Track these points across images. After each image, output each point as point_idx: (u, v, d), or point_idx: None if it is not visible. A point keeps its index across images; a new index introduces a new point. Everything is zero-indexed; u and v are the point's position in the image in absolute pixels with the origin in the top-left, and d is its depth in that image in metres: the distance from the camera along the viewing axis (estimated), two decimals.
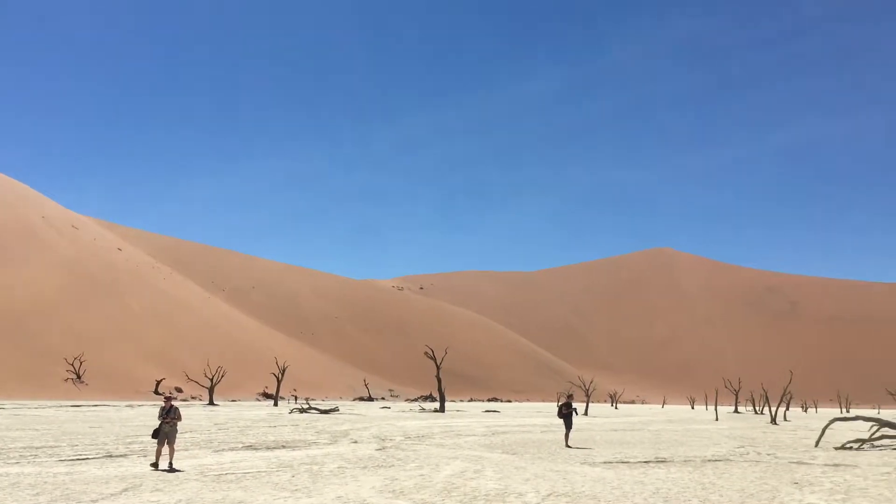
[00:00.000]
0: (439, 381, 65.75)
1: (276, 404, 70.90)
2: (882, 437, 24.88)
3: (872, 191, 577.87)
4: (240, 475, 15.02)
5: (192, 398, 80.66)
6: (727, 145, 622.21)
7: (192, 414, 45.05)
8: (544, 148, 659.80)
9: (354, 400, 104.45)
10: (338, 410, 56.76)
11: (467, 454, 20.53)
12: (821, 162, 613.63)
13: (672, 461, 19.37)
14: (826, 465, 18.94)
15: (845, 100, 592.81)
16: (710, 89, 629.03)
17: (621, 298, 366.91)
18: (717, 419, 58.31)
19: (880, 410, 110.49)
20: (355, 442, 24.78)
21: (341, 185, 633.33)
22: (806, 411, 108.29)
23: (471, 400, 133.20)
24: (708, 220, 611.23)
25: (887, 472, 17.01)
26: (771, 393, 77.21)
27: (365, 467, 16.73)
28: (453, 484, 13.99)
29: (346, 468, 16.51)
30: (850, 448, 24.19)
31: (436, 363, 65.78)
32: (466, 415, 56.56)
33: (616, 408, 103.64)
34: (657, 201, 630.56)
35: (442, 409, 62.27)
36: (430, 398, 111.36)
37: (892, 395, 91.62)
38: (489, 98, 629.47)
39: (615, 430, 35.53)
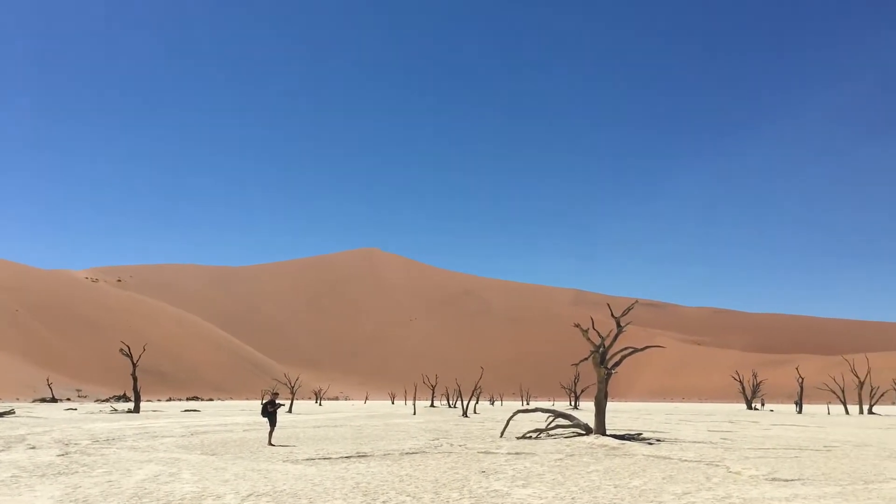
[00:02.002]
0: (135, 379, 61.57)
1: None
2: (556, 426, 27.72)
3: (559, 207, 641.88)
4: None
5: None
6: (431, 152, 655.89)
7: None
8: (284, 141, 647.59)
9: (35, 402, 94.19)
10: (13, 413, 50.84)
11: (162, 457, 19.45)
12: (513, 178, 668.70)
13: (372, 455, 19.94)
14: (509, 453, 20.66)
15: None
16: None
17: (328, 296, 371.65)
18: (414, 413, 61.08)
19: (555, 402, 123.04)
20: (33, 448, 22.37)
21: (32, 160, 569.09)
22: (493, 404, 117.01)
23: (169, 399, 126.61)
24: (413, 224, 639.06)
25: (560, 459, 18.97)
26: (464, 387, 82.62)
27: (43, 475, 15.16)
28: (145, 489, 13.17)
29: (21, 477, 14.84)
30: (530, 437, 26.66)
31: (132, 361, 61.54)
32: (164, 415, 53.67)
33: (320, 404, 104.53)
34: (366, 202, 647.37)
35: (137, 410, 58.47)
36: (124, 398, 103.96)
37: (564, 388, 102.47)
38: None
39: (318, 427, 35.79)
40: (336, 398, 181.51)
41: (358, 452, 20.88)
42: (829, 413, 73.16)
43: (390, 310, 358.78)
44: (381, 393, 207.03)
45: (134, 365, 61.79)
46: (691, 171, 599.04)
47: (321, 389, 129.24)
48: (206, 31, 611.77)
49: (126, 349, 62.68)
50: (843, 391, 75.61)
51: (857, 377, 73.82)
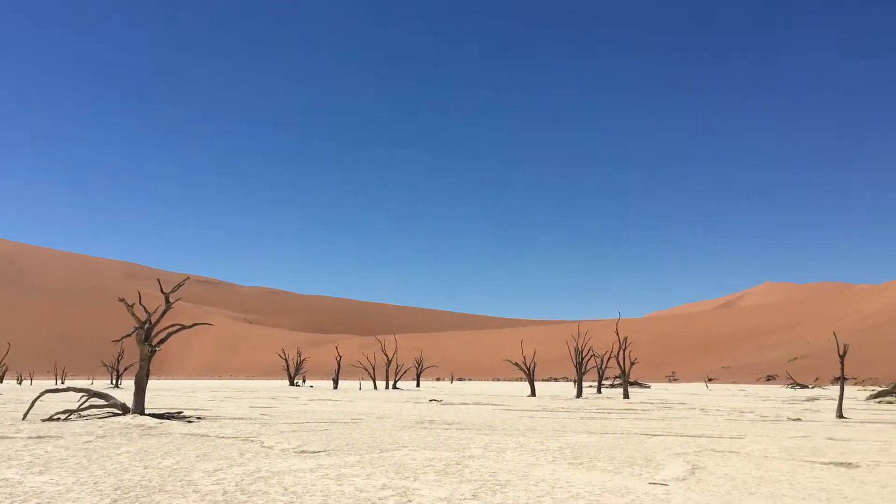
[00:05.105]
0: None
1: None
2: (91, 406, 26.03)
3: (120, 172, 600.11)
4: None
5: None
6: None
7: None
8: None
9: None
10: None
11: None
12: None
13: None
14: (30, 437, 18.85)
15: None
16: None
17: None
18: None
19: (94, 381, 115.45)
20: None
21: None
22: (21, 383, 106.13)
23: None
24: None
25: (89, 441, 17.87)
26: None
27: None
28: None
29: None
30: (59, 419, 24.60)
31: None
32: None
33: None
34: None
35: None
36: None
37: (106, 366, 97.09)
38: None
39: None
40: None
41: None
42: (360, 388, 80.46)
43: None
44: None
45: None
46: (259, 157, 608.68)
47: None
48: None
49: None
50: (374, 368, 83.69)
51: (386, 356, 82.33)
